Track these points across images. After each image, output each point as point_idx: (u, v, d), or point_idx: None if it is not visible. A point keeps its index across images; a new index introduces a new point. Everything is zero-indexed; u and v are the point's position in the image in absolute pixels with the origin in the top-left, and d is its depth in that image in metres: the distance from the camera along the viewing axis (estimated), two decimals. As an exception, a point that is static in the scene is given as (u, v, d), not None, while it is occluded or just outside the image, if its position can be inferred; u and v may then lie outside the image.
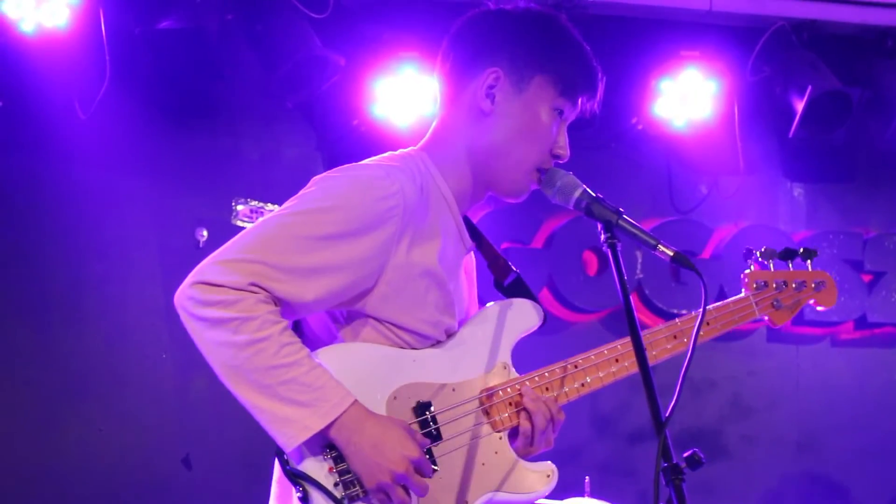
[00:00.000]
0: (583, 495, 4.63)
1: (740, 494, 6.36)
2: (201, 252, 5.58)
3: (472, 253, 2.91)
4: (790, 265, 3.19)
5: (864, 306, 6.55)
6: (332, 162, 5.84)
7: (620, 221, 2.55)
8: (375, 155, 2.80)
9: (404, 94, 5.71)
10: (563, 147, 2.78)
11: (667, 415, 2.34)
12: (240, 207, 5.55)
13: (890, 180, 6.71)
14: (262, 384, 2.49)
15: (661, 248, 2.52)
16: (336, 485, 2.55)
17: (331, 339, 2.68)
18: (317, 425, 2.50)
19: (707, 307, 2.97)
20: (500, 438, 2.75)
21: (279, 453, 2.57)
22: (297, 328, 2.73)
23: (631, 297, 2.49)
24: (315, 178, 2.69)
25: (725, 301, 3.13)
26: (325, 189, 2.63)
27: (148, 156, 5.69)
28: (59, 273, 5.55)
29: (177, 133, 5.77)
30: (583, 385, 2.86)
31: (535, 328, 2.85)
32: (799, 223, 6.65)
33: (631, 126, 6.25)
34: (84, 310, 5.57)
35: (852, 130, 6.27)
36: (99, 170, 5.58)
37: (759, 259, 3.16)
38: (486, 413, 2.74)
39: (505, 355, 2.79)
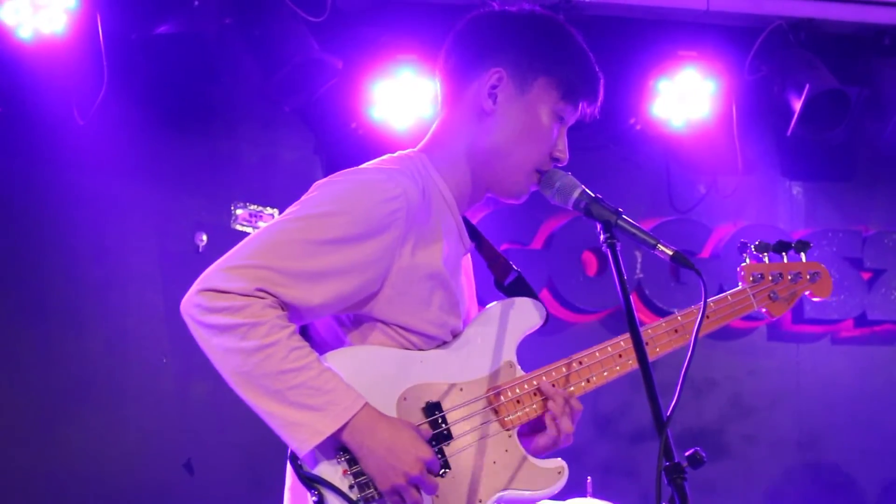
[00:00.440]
0: (585, 496, 4.63)
1: (742, 493, 6.37)
2: (201, 256, 5.65)
3: (468, 254, 2.91)
4: (785, 257, 3.22)
5: (864, 304, 6.56)
6: (330, 165, 5.85)
7: (619, 221, 2.56)
8: (374, 158, 2.80)
9: (402, 96, 5.71)
10: (563, 150, 2.79)
11: (668, 414, 2.34)
12: (239, 211, 5.56)
13: (888, 178, 6.72)
14: (272, 389, 2.49)
15: (661, 247, 2.53)
16: (351, 487, 2.56)
17: (338, 343, 2.69)
18: (329, 429, 2.50)
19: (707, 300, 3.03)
20: (510, 436, 2.76)
21: (293, 459, 2.57)
22: (304, 333, 2.72)
23: (631, 297, 2.49)
24: (317, 182, 2.69)
25: (723, 294, 3.14)
26: (328, 193, 2.63)
27: (146, 161, 5.68)
28: (58, 278, 5.54)
29: (175, 138, 5.76)
30: (588, 381, 2.86)
31: (538, 326, 2.86)
32: (798, 222, 6.65)
33: (629, 126, 6.26)
34: (84, 315, 5.57)
35: (850, 129, 6.27)
36: (97, 175, 5.57)
37: (754, 252, 3.19)
38: (495, 412, 2.75)
39: (510, 354, 2.80)
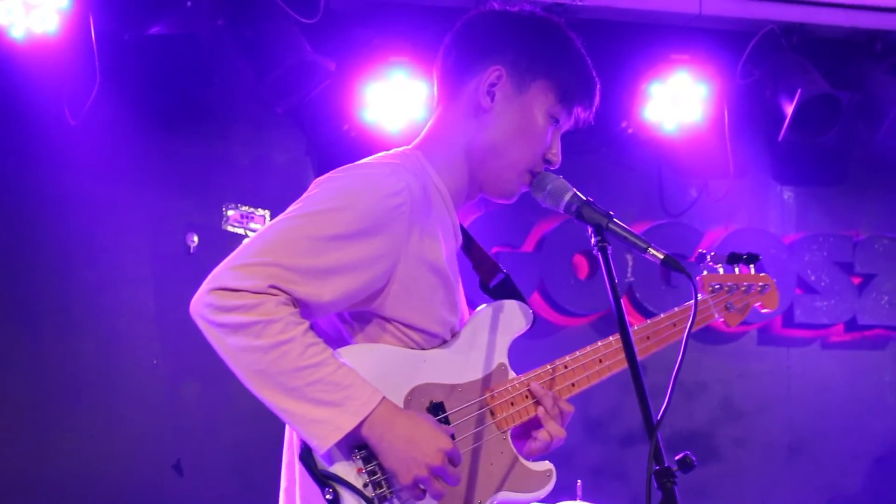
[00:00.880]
0: (575, 499, 4.64)
1: (732, 497, 6.37)
2: (192, 257, 5.64)
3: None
4: (737, 269, 3.35)
5: (855, 308, 6.58)
6: (322, 167, 5.84)
7: (611, 225, 2.57)
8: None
9: (395, 98, 5.71)
10: (556, 153, 2.80)
11: (658, 418, 2.34)
12: (230, 213, 5.55)
13: (880, 183, 6.73)
14: (289, 387, 2.46)
15: (652, 251, 2.53)
16: (366, 485, 2.54)
17: (340, 340, 2.68)
18: (349, 424, 2.48)
19: (673, 309, 3.13)
20: (505, 438, 2.77)
21: (304, 456, 2.55)
22: (306, 331, 2.72)
23: (622, 301, 2.50)
24: (317, 180, 2.67)
25: (689, 303, 3.18)
26: (331, 189, 2.61)
27: (138, 162, 5.68)
28: (49, 279, 5.54)
29: (167, 139, 5.76)
30: (573, 385, 2.88)
31: (526, 329, 2.87)
32: (789, 226, 6.66)
33: (621, 130, 6.26)
34: (75, 315, 5.56)
35: (842, 133, 6.28)
36: (89, 176, 5.57)
37: (709, 262, 3.31)
38: (491, 413, 2.76)
39: (502, 356, 2.82)
